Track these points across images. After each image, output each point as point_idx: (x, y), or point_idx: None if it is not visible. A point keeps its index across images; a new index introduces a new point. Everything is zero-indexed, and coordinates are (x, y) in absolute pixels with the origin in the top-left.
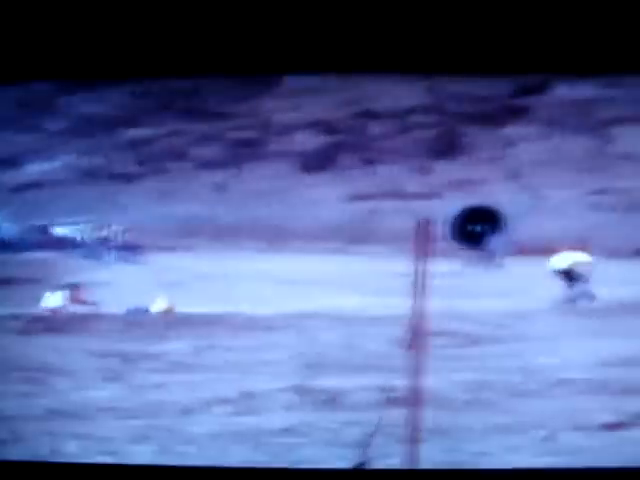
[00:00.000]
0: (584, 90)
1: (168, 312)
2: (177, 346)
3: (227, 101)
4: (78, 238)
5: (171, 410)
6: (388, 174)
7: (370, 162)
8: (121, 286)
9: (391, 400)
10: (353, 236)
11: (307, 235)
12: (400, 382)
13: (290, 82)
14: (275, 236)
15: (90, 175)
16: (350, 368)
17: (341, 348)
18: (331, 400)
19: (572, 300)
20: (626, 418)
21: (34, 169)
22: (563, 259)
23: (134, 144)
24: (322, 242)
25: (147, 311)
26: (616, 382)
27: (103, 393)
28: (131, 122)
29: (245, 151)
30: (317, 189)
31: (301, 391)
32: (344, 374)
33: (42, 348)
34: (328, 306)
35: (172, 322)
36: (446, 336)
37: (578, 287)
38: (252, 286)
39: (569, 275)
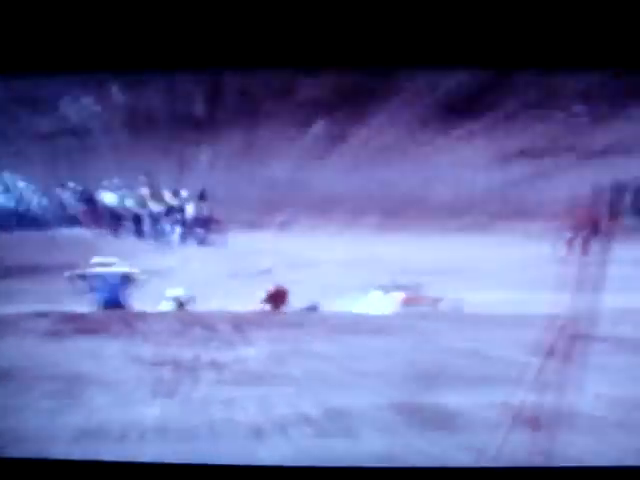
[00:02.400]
0: None
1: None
2: (249, 352)
3: None
4: (131, 209)
5: (239, 432)
6: (552, 126)
7: (529, 111)
8: (188, 275)
9: (522, 421)
10: (500, 210)
11: (437, 209)
12: (534, 399)
13: None
14: (393, 210)
15: (149, 120)
16: (472, 380)
17: (462, 355)
18: (444, 421)
19: None
20: None
21: (71, 110)
22: None
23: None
24: (456, 218)
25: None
26: None
27: (152, 410)
28: None
29: (356, 98)
30: (454, 147)
31: (406, 409)
32: (463, 388)
33: (75, 353)
34: (453, 301)
35: (242, 321)
36: (606, 342)
37: None
38: (357, 275)
39: None
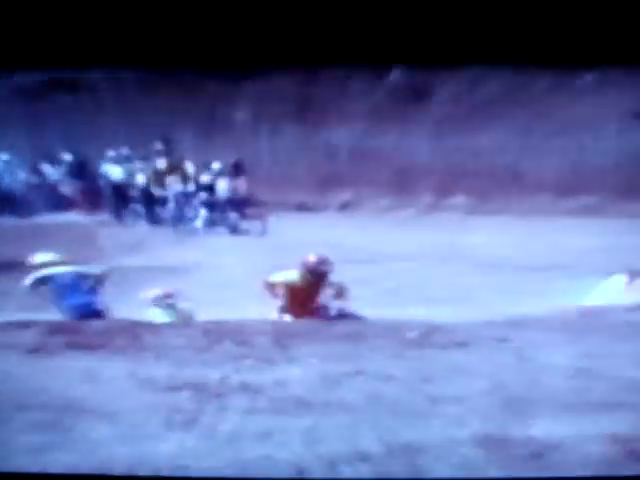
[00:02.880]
0: None
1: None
2: (292, 372)
3: None
4: (142, 187)
5: (277, 472)
6: None
7: None
8: (216, 273)
9: (634, 456)
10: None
11: (545, 185)
12: None
13: None
14: (488, 189)
15: (163, 74)
16: (574, 408)
17: (564, 377)
18: (537, 456)
19: None
20: None
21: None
22: None
23: None
24: (571, 195)
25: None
26: None
27: (167, 446)
28: None
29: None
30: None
31: (491, 443)
32: (563, 416)
33: (67, 375)
34: (558, 306)
35: (285, 333)
36: None
37: None
38: (440, 271)
39: None
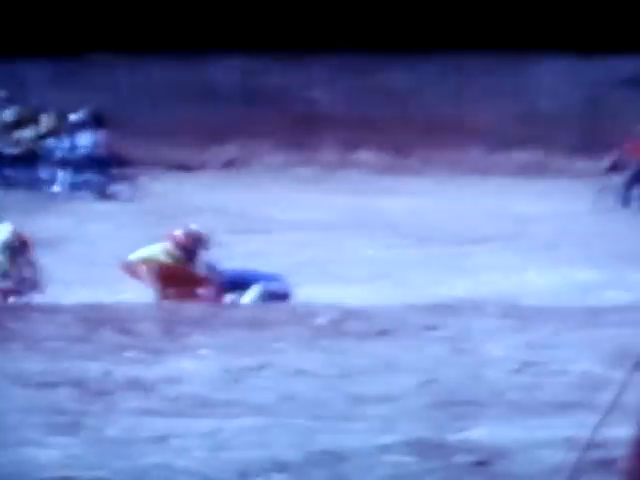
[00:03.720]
0: None
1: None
2: (186, 366)
3: None
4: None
5: None
6: None
7: None
8: (82, 246)
9: (594, 465)
10: None
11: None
12: (613, 432)
13: None
14: (406, 141)
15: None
16: (522, 407)
17: (509, 369)
18: (480, 465)
19: None
20: None
21: None
22: None
23: None
24: (509, 149)
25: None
26: None
27: (47, 453)
28: None
29: None
30: None
31: (425, 450)
32: (508, 418)
33: None
34: (497, 287)
35: (175, 318)
36: None
37: None
38: (352, 243)
39: None
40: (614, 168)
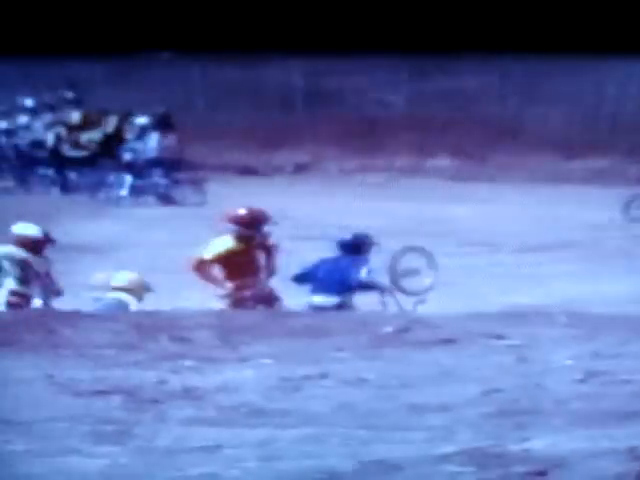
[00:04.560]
0: None
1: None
2: (243, 375)
3: None
4: (49, 146)
5: None
6: None
7: None
8: (141, 251)
9: None
10: None
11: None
12: None
13: None
14: (479, 147)
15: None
16: (583, 417)
17: (571, 381)
18: (539, 475)
19: None
20: None
21: None
22: None
23: None
24: (581, 156)
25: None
26: None
27: (95, 463)
28: None
29: None
30: None
31: (483, 460)
32: (569, 428)
33: None
34: (564, 295)
35: (232, 326)
36: None
37: None
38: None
39: None
40: None
